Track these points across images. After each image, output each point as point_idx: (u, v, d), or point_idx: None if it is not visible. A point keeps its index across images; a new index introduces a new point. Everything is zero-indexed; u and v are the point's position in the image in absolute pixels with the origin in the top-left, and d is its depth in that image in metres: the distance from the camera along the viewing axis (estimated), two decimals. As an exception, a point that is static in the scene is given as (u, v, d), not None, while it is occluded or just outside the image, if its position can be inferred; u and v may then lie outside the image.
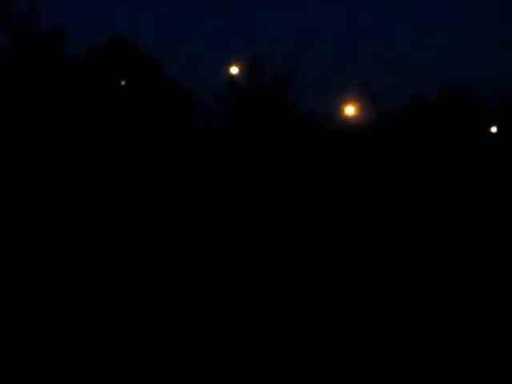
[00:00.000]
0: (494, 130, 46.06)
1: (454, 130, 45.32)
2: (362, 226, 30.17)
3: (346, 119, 42.12)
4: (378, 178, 39.80)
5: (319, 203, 35.85)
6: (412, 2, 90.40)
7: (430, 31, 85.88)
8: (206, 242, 24.88)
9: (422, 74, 72.21)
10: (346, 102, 41.98)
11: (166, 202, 33.84)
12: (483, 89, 45.27)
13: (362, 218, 32.67)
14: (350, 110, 41.42)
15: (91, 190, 34.46)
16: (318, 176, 39.25)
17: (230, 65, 41.14)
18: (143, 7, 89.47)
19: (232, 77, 42.15)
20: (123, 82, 41.89)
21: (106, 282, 18.16)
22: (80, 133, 38.70)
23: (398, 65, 72.68)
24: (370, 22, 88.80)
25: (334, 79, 69.70)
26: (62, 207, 30.41)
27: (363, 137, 41.75)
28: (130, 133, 39.37)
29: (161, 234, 26.12)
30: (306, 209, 34.62)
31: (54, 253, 21.64)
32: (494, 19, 76.74)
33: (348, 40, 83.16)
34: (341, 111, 41.97)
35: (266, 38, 74.17)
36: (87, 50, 42.30)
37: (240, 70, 42.10)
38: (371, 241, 26.26)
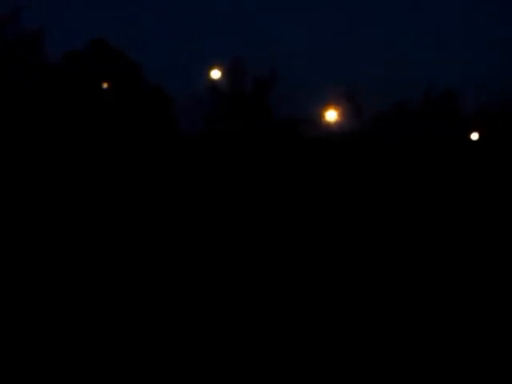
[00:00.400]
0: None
1: (447, 132, 45.14)
2: (346, 228, 30.20)
3: (328, 124, 41.90)
4: (358, 182, 39.65)
5: (303, 206, 35.82)
6: (412, 1, 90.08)
7: (430, 31, 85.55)
8: (194, 245, 24.86)
9: (421, 74, 71.96)
10: (328, 106, 41.72)
11: (147, 208, 33.74)
12: (483, 89, 45.13)
13: (346, 219, 32.68)
14: (331, 115, 41.17)
15: (64, 195, 34.36)
16: (298, 181, 39.12)
17: (211, 68, 40.98)
18: (143, 7, 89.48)
19: (213, 80, 41.99)
20: (105, 85, 41.75)
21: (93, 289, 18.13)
22: (58, 135, 38.60)
23: (398, 65, 72.32)
24: (370, 22, 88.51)
25: (332, 81, 69.42)
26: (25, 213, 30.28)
27: (345, 141, 41.56)
28: (108, 137, 39.21)
29: (142, 241, 26.05)
30: (291, 212, 34.58)
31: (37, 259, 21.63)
32: (494, 19, 76.36)
33: (348, 40, 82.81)
34: (323, 116, 41.75)
35: (265, 38, 73.85)
36: (69, 51, 42.26)
37: (222, 73, 41.93)
38: (356, 244, 26.29)
